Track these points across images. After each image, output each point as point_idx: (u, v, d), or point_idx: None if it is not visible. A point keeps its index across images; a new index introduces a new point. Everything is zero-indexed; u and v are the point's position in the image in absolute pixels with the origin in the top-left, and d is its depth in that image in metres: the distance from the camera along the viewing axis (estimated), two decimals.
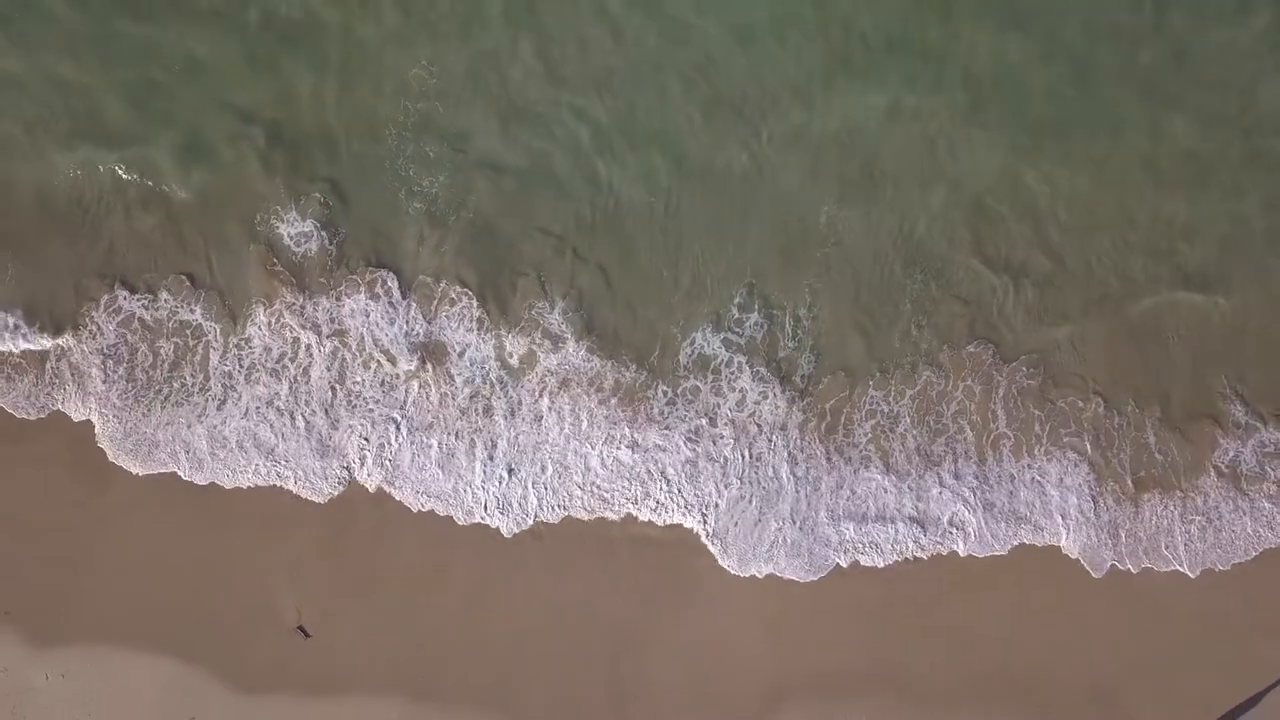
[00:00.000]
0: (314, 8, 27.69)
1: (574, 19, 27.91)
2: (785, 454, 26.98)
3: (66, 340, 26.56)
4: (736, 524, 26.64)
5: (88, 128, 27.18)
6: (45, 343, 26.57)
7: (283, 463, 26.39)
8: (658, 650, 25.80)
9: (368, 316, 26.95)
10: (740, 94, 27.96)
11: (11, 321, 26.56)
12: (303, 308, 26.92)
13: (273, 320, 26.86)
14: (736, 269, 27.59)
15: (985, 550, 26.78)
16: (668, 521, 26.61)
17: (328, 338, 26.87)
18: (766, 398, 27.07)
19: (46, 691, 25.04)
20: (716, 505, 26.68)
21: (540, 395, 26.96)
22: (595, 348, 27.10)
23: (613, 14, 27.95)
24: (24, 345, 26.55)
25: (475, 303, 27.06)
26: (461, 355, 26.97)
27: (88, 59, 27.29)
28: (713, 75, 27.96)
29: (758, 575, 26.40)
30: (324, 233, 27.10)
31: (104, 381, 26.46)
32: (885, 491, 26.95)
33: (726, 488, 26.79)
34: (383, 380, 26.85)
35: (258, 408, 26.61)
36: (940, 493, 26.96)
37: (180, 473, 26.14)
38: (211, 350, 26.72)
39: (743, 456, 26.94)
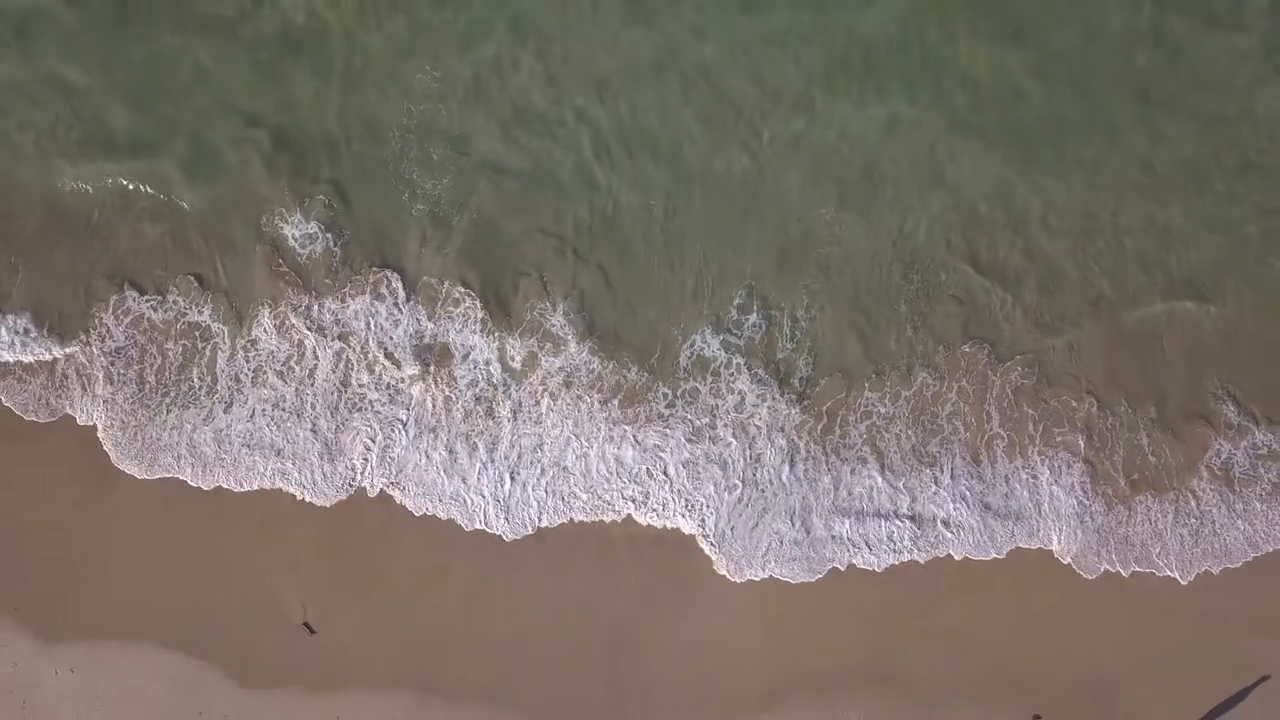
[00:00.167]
0: (318, 12, 27.99)
1: (575, 26, 28.17)
2: (783, 456, 27.06)
3: (74, 349, 26.71)
4: (733, 529, 26.73)
5: (95, 133, 27.44)
6: (56, 351, 26.72)
7: (288, 468, 26.48)
8: (657, 649, 25.89)
9: (373, 319, 27.12)
10: (741, 97, 28.20)
11: (20, 325, 26.73)
12: (308, 309, 27.10)
13: (279, 323, 27.04)
14: (736, 270, 27.75)
15: (980, 554, 26.84)
16: (667, 524, 26.71)
17: (333, 340, 27.03)
18: (765, 400, 27.20)
19: (55, 686, 25.23)
20: (715, 509, 26.75)
21: (542, 397, 27.09)
22: (597, 348, 27.25)
23: (612, 23, 28.21)
24: (31, 356, 26.70)
25: (478, 303, 27.23)
26: (465, 358, 27.11)
27: (94, 67, 27.59)
28: (713, 80, 28.19)
29: (749, 584, 26.44)
30: (329, 234, 27.30)
31: (110, 389, 26.59)
32: (881, 492, 27.03)
33: (725, 491, 26.88)
34: (387, 383, 26.99)
35: (263, 410, 26.75)
36: (935, 493, 27.03)
37: (187, 479, 26.31)
38: (219, 352, 26.90)
39: (741, 458, 27.03)
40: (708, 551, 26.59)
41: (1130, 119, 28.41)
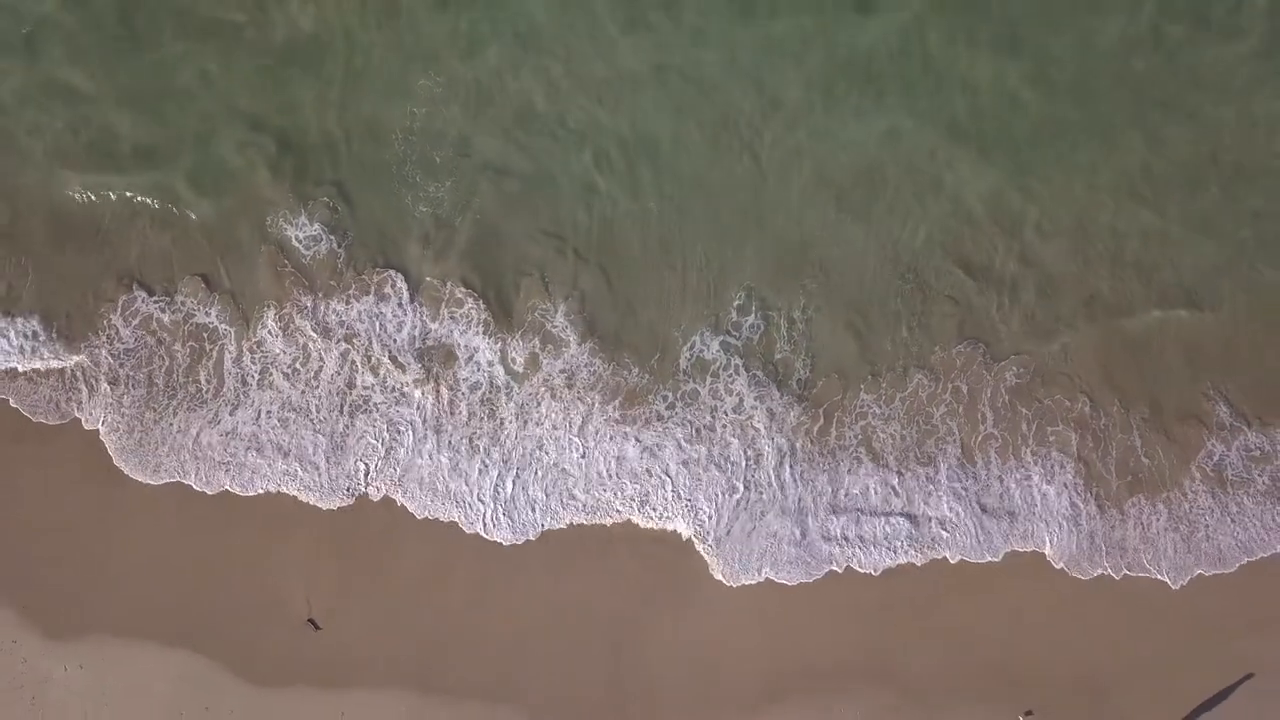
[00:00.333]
0: (322, 18, 28.20)
1: (576, 33, 28.38)
2: (781, 457, 27.21)
3: (82, 358, 26.87)
4: (731, 532, 26.84)
5: (102, 141, 27.67)
6: (65, 360, 26.87)
7: (294, 469, 26.63)
8: (657, 648, 26.05)
9: (377, 320, 27.31)
10: (740, 103, 28.40)
11: (30, 328, 26.94)
12: (313, 310, 27.30)
13: (284, 324, 27.22)
14: (736, 272, 27.92)
15: (976, 557, 26.90)
16: (666, 526, 26.86)
17: (338, 342, 27.21)
18: (763, 401, 27.36)
19: (63, 683, 25.48)
20: (714, 511, 26.87)
21: (543, 399, 27.24)
22: (597, 349, 27.42)
23: (611, 30, 28.43)
24: (41, 363, 26.84)
25: (481, 304, 27.41)
26: (468, 360, 27.28)
27: (100, 74, 27.84)
28: (713, 86, 28.38)
29: (749, 584, 26.53)
30: (332, 236, 27.51)
31: (118, 393, 26.75)
32: (878, 492, 27.16)
33: (724, 492, 27.00)
34: (392, 386, 27.17)
35: (269, 412, 26.92)
36: (931, 493, 27.14)
37: (192, 484, 26.47)
38: (226, 353, 27.07)
39: (740, 459, 27.17)
40: (705, 556, 26.72)
41: (1127, 124, 28.58)
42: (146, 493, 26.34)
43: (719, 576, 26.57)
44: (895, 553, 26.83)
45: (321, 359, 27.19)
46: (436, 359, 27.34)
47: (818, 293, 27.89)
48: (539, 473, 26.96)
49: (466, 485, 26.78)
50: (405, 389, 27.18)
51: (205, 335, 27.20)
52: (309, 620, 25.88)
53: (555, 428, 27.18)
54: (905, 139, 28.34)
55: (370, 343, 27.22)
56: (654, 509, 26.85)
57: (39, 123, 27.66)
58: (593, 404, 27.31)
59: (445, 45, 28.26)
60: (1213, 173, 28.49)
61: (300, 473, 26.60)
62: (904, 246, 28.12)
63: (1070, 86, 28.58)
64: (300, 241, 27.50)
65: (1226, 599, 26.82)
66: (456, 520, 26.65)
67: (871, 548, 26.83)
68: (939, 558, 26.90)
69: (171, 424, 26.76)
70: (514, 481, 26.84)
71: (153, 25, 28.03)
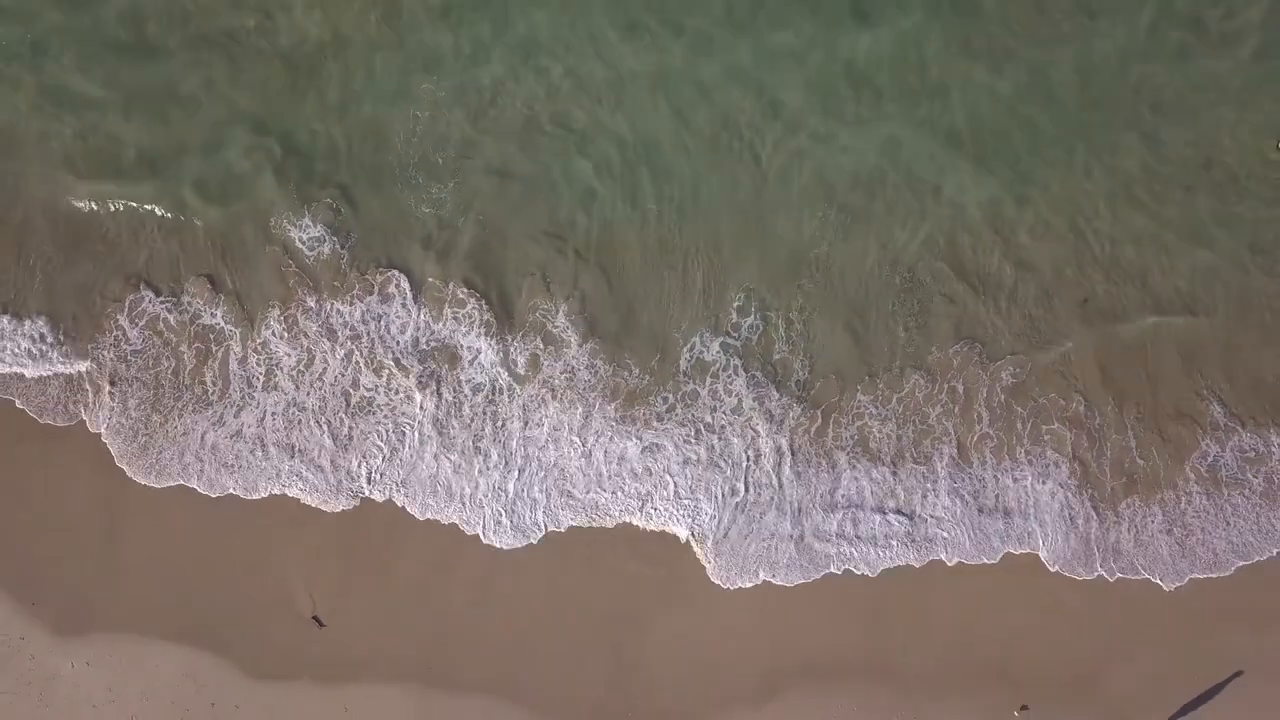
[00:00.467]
0: (328, 24, 28.50)
1: (577, 41, 28.68)
2: (780, 457, 27.31)
3: (88, 365, 27.02)
4: (729, 533, 26.90)
5: (109, 148, 27.94)
6: (73, 366, 27.03)
7: (299, 469, 26.77)
8: (657, 645, 26.19)
9: (380, 321, 27.48)
10: (740, 109, 28.66)
11: (37, 330, 27.14)
12: (317, 310, 27.50)
13: (288, 325, 27.42)
14: (735, 273, 28.07)
15: (972, 559, 26.88)
16: (666, 528, 26.93)
17: (342, 342, 27.37)
18: (762, 402, 27.49)
19: (71, 679, 25.69)
20: (713, 511, 26.94)
21: (544, 400, 27.36)
22: (598, 350, 27.57)
23: (612, 38, 28.72)
24: (49, 369, 27.00)
25: (483, 304, 27.57)
26: (471, 361, 27.41)
27: (107, 80, 28.15)
28: (712, 93, 28.65)
29: (745, 586, 26.55)
30: (335, 237, 27.72)
31: (124, 395, 26.92)
32: (875, 492, 27.24)
33: (724, 493, 27.07)
34: (395, 387, 27.33)
35: (274, 414, 27.06)
36: (928, 493, 27.22)
37: (196, 487, 26.60)
38: (231, 354, 27.23)
39: (740, 460, 27.27)
40: (702, 558, 26.74)
41: (1123, 131, 28.75)
42: (153, 491, 26.55)
43: (717, 580, 26.61)
44: (893, 553, 26.87)
45: (325, 361, 27.35)
46: (440, 360, 27.49)
47: (816, 294, 28.04)
48: (540, 473, 27.05)
49: (468, 486, 26.86)
50: (409, 391, 27.26)
51: (211, 336, 27.38)
52: (313, 617, 26.09)
53: (556, 428, 27.31)
54: (905, 146, 28.54)
55: (374, 344, 27.38)
56: (655, 509, 26.91)
57: (47, 129, 27.96)
58: (593, 404, 27.43)
59: (447, 49, 28.51)
60: (1207, 179, 28.63)
61: (305, 475, 26.73)
62: (902, 249, 28.28)
63: (1066, 94, 28.80)
64: (304, 243, 27.71)
65: (1219, 598, 26.85)
66: (458, 523, 26.70)
67: (869, 548, 26.87)
68: (936, 559, 26.95)
69: (177, 426, 26.92)
70: (515, 486, 26.93)
71: (159, 32, 28.35)
